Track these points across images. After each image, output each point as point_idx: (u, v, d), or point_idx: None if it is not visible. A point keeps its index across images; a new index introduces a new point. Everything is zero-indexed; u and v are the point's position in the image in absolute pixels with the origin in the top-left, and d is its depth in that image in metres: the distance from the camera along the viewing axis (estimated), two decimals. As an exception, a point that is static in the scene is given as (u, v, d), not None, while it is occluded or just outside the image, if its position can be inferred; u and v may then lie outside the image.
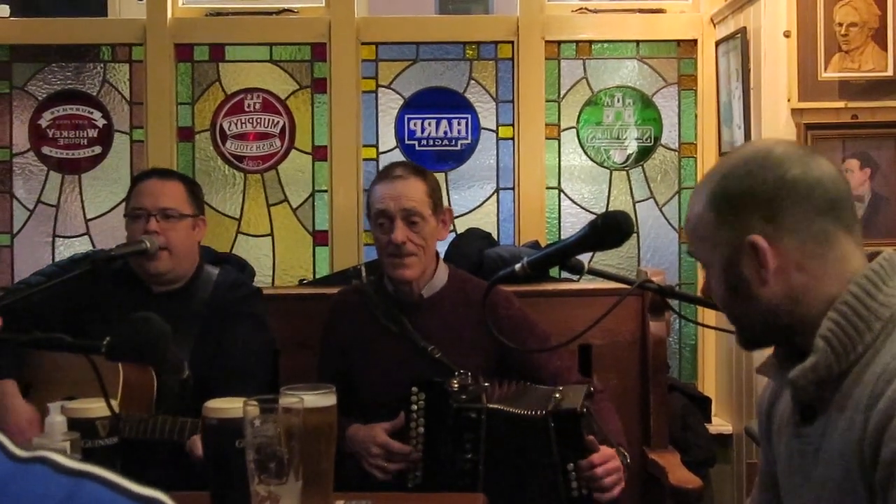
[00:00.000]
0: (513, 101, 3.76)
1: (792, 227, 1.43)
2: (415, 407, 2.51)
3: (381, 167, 3.65)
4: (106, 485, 0.65)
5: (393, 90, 3.80)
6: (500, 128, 3.79)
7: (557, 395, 2.43)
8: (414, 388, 2.52)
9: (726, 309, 1.53)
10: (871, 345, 1.40)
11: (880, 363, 1.38)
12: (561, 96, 3.79)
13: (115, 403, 1.99)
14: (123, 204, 2.91)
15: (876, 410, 1.34)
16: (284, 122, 3.79)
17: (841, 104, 3.19)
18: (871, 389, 1.36)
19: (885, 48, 3.17)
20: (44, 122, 3.80)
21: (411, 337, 2.65)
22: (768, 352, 1.57)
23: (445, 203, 3.02)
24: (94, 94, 3.81)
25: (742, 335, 1.55)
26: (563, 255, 2.15)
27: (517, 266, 2.12)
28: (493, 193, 3.80)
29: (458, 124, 3.79)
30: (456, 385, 2.47)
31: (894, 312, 1.40)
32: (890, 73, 3.17)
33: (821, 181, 1.44)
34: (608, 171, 3.79)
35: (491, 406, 2.43)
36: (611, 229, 2.06)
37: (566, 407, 2.39)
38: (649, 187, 3.80)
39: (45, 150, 3.80)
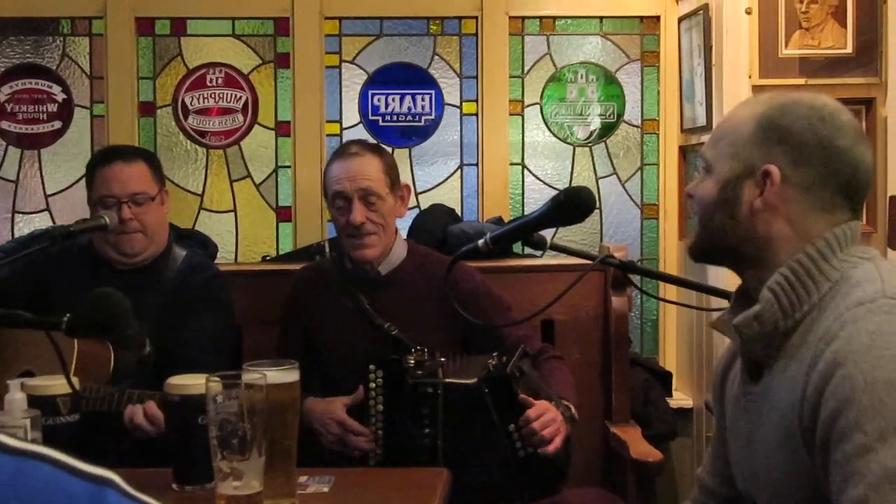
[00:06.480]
0: (477, 77, 3.75)
1: (808, 183, 1.47)
2: (373, 385, 2.52)
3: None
4: (54, 464, 0.63)
5: (357, 65, 3.78)
6: (463, 104, 3.78)
7: (492, 361, 2.46)
8: (371, 366, 2.52)
9: (705, 212, 1.55)
10: (818, 304, 1.43)
11: (823, 324, 1.40)
12: (525, 72, 3.79)
13: (75, 380, 1.98)
14: (84, 181, 2.86)
15: (816, 371, 1.37)
16: (247, 98, 3.76)
17: (801, 81, 3.22)
18: (814, 350, 1.39)
19: (844, 25, 3.19)
20: (2, 97, 3.74)
21: (368, 315, 2.64)
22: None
23: (405, 179, 3.02)
24: (54, 68, 3.76)
25: (699, 242, 1.59)
26: (526, 230, 2.16)
27: (480, 242, 2.13)
28: (456, 169, 3.80)
29: (422, 100, 3.78)
30: (412, 361, 2.47)
31: (843, 276, 1.44)
32: (849, 49, 3.20)
33: (858, 166, 1.48)
34: (571, 147, 3.80)
35: (447, 381, 2.45)
36: (573, 205, 2.08)
37: (497, 371, 2.42)
38: (612, 163, 3.82)
39: (4, 124, 3.75)
